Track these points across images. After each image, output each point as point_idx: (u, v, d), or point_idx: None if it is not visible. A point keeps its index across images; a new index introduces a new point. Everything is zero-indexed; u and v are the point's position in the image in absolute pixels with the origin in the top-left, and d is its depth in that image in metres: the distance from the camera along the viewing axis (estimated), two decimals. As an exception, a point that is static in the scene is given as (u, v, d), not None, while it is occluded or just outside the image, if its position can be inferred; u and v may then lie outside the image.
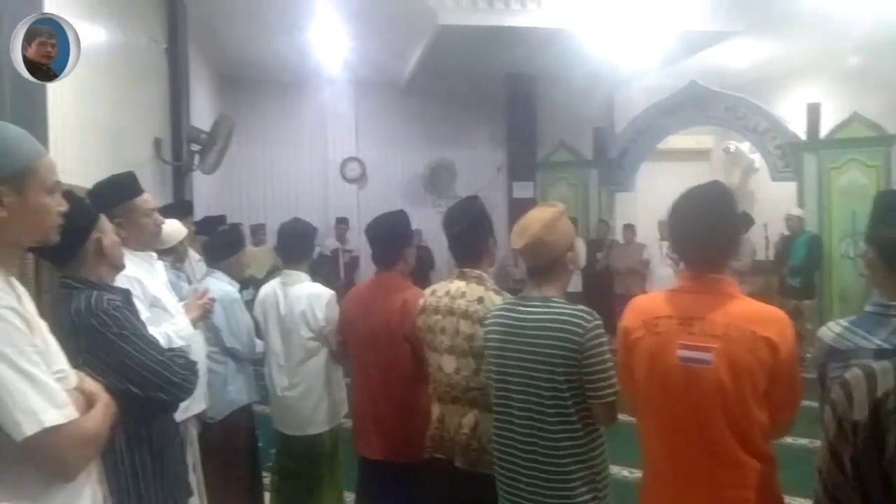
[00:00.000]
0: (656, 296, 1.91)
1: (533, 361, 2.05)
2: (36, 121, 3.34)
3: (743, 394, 1.67)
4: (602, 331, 2.00)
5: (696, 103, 8.53)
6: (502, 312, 2.19)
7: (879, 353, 1.57)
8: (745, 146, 10.09)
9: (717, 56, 8.36)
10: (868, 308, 1.67)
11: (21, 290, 1.43)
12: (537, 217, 2.11)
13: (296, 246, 3.36)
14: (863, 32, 7.11)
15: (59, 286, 1.99)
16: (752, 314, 1.71)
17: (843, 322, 1.70)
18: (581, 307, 2.05)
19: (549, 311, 2.05)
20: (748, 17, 7.21)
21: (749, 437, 1.70)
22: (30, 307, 1.42)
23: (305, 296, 3.21)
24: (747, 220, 7.97)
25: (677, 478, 1.79)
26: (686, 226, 1.83)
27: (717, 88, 8.38)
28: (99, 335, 1.81)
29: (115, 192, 2.50)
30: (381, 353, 2.83)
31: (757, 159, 9.46)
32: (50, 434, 1.27)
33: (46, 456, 1.29)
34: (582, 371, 1.99)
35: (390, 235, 2.90)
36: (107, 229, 1.98)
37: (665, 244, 8.20)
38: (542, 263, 2.11)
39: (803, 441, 4.41)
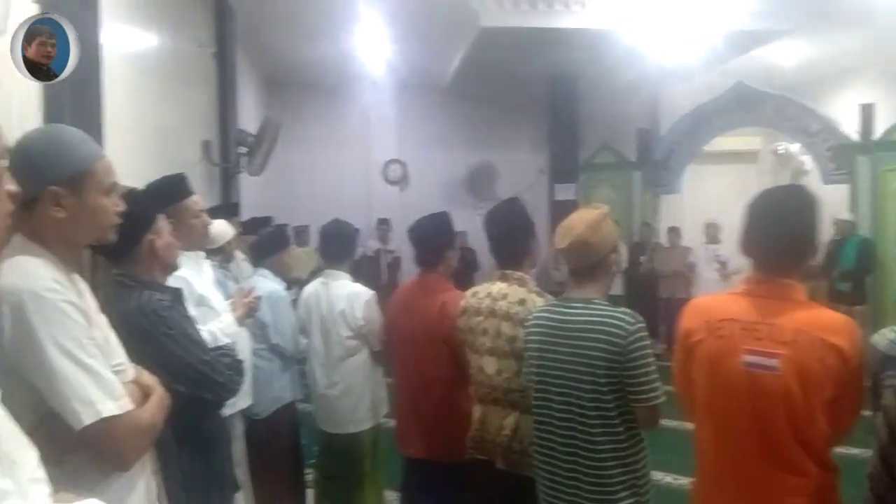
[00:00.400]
0: (720, 298, 1.87)
1: (574, 363, 2.03)
2: (92, 124, 3.46)
3: (810, 402, 1.63)
4: (645, 333, 1.98)
5: (744, 104, 8.35)
6: (543, 314, 2.18)
7: None
8: (795, 148, 9.85)
9: (765, 55, 8.17)
10: None
11: (83, 285, 1.49)
12: (582, 218, 2.11)
13: (337, 246, 3.41)
14: (920, 30, 6.88)
15: (113, 283, 2.05)
16: (821, 322, 1.67)
17: None
18: (624, 309, 2.04)
19: (591, 313, 2.04)
20: (797, 16, 7.02)
21: (814, 445, 1.67)
22: (91, 302, 1.48)
23: (345, 295, 3.25)
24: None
25: (734, 484, 1.76)
26: (764, 224, 1.77)
27: (765, 89, 8.19)
28: (148, 335, 1.86)
29: (167, 193, 2.57)
30: (420, 354, 2.85)
31: (807, 161, 9.22)
32: (107, 424, 1.32)
33: (103, 445, 1.34)
34: (624, 374, 1.97)
35: (432, 237, 2.92)
36: (162, 231, 2.03)
37: (712, 247, 8.06)
38: (586, 264, 2.10)
39: (855, 451, 4.27)
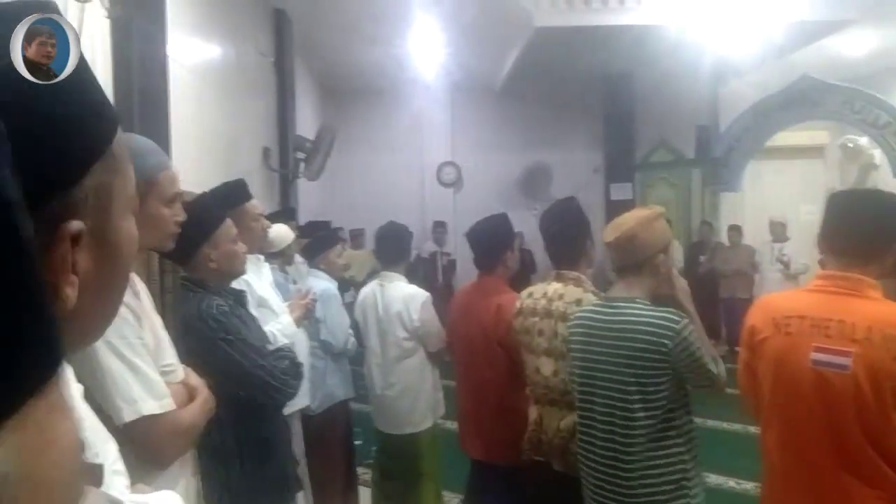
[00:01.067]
0: (788, 294, 1.83)
1: (618, 364, 2.00)
2: (160, 132, 3.60)
3: (883, 402, 1.57)
4: (692, 328, 1.94)
5: (809, 97, 8.08)
6: (587, 314, 2.16)
7: None
8: (864, 141, 9.45)
9: (830, 47, 7.87)
10: None
11: (140, 286, 1.54)
12: (634, 215, 2.08)
13: (392, 248, 3.46)
14: None
15: (179, 287, 2.13)
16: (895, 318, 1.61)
17: None
18: (669, 309, 1.99)
19: (635, 313, 2.00)
20: (863, 4, 6.75)
21: (888, 448, 1.60)
22: (146, 303, 1.53)
23: (401, 297, 3.29)
24: None
25: (803, 491, 1.70)
26: (847, 215, 1.75)
27: (831, 81, 7.90)
28: (205, 339, 1.91)
29: (228, 197, 2.65)
30: (477, 356, 2.87)
31: (877, 155, 8.84)
32: (147, 422, 1.36)
33: (142, 443, 1.37)
34: (682, 371, 1.94)
35: (490, 239, 2.92)
36: (220, 241, 2.06)
37: (777, 246, 7.82)
38: (633, 261, 2.05)
39: None
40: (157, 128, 3.54)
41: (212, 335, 1.92)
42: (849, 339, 1.61)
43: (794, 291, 1.82)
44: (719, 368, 1.96)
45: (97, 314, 0.59)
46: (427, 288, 3.44)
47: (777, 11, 6.71)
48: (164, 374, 1.47)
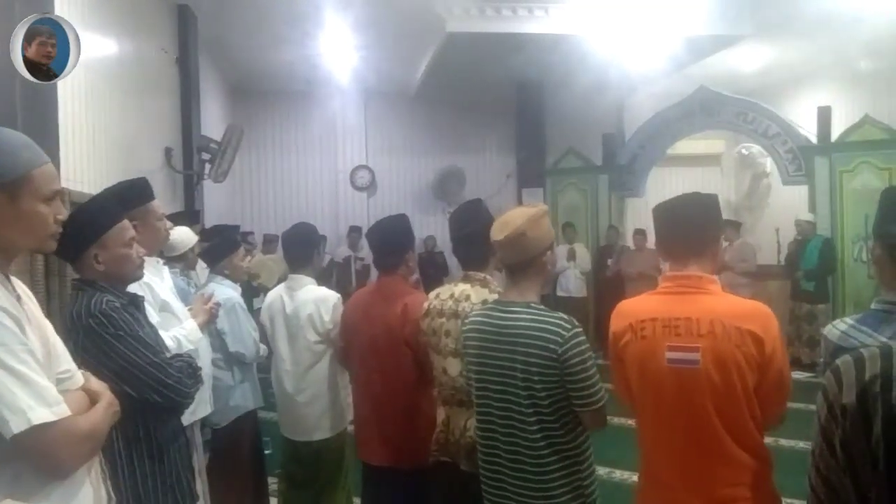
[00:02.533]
0: (640, 299, 1.91)
1: (511, 369, 2.03)
2: (47, 130, 3.39)
3: (733, 390, 1.68)
4: (582, 338, 1.98)
5: (706, 108, 8.50)
6: (481, 317, 2.17)
7: None
8: (757, 150, 10.04)
9: (726, 60, 8.34)
10: (874, 305, 1.65)
11: (22, 289, 1.44)
12: (521, 212, 2.10)
13: (299, 250, 3.38)
14: (873, 34, 7.06)
15: (71, 287, 2.01)
16: (735, 310, 1.73)
17: (849, 320, 1.68)
18: (560, 314, 2.03)
19: (528, 318, 2.03)
20: (756, 21, 7.18)
21: (743, 434, 1.71)
22: (31, 307, 1.43)
23: (312, 300, 3.22)
24: (734, 226, 8.02)
25: (675, 479, 1.78)
26: (665, 220, 1.88)
27: (726, 93, 8.35)
28: (96, 336, 1.83)
29: (131, 195, 2.52)
30: (383, 359, 2.82)
31: (769, 163, 9.41)
32: (39, 431, 1.28)
33: (37, 453, 1.30)
34: (565, 380, 1.97)
35: (391, 240, 2.90)
36: (111, 244, 1.96)
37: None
38: (522, 260, 2.08)
39: (803, 444, 4.34)
40: (44, 125, 3.33)
41: (101, 331, 1.84)
42: (696, 334, 1.72)
43: (645, 295, 1.91)
44: (604, 400, 2.00)
45: None
46: (341, 292, 3.39)
47: (676, 26, 7.04)
48: (60, 381, 1.38)
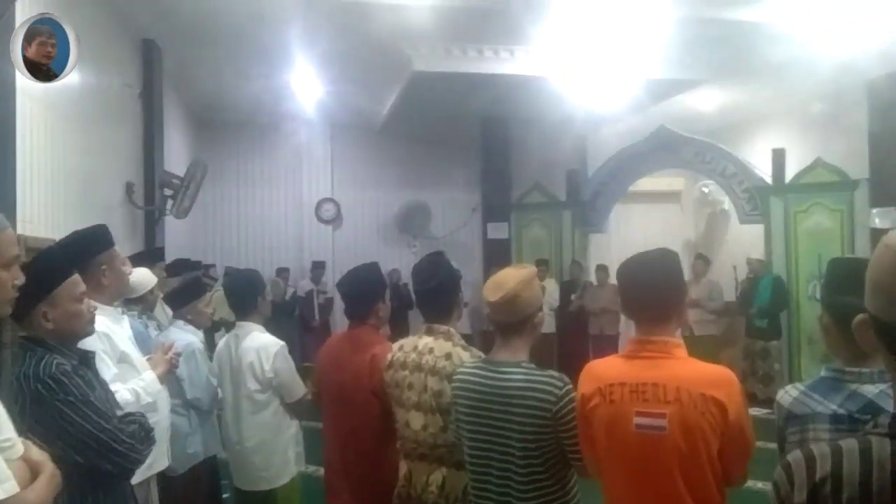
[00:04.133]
0: (608, 362, 1.94)
1: (507, 429, 2.06)
2: (5, 168, 3.32)
3: (698, 455, 1.71)
4: (574, 395, 2.01)
5: (666, 147, 8.71)
6: (472, 377, 2.18)
7: (835, 419, 1.60)
8: (715, 188, 10.29)
9: (685, 101, 8.58)
10: (823, 373, 1.71)
11: None
12: (513, 274, 2.14)
13: (242, 298, 3.32)
14: (825, 80, 7.34)
15: (17, 346, 1.95)
16: (701, 377, 1.76)
17: (800, 386, 1.73)
18: (552, 373, 2.06)
19: (521, 378, 2.06)
20: (713, 66, 7.42)
21: (706, 497, 1.74)
22: None
23: (254, 347, 3.18)
24: (704, 261, 8.28)
25: None
26: (630, 288, 1.90)
27: (685, 133, 8.57)
28: (44, 401, 1.78)
29: (91, 245, 2.47)
30: (349, 408, 2.81)
31: (726, 202, 9.65)
32: None
33: None
34: (560, 436, 2.01)
35: (361, 291, 2.90)
36: (60, 301, 1.92)
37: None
38: (515, 320, 2.13)
39: (761, 484, 4.33)
40: (1, 162, 3.27)
41: (51, 396, 1.79)
42: (662, 401, 1.75)
43: (613, 358, 1.94)
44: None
45: None
46: (303, 326, 3.36)
47: (638, 70, 7.23)
48: (1, 450, 1.34)
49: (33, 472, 1.41)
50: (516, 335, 2.15)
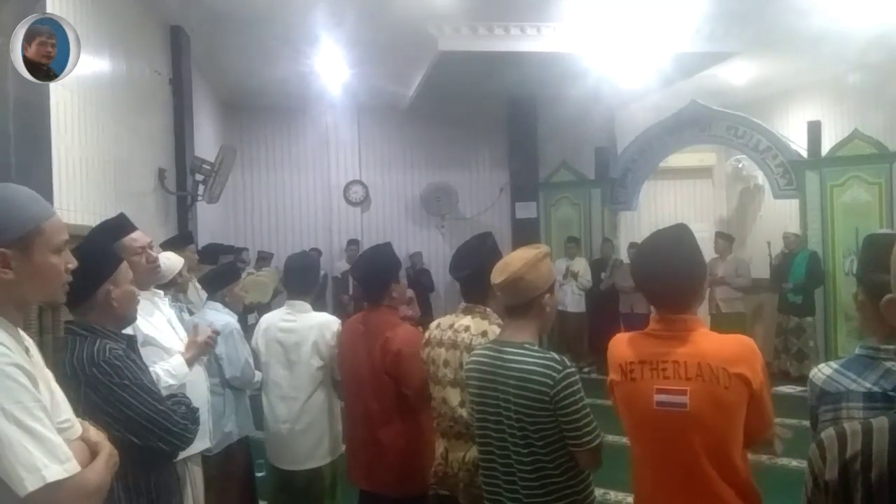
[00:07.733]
0: (631, 339, 1.92)
1: (505, 409, 2.06)
2: (40, 156, 3.38)
3: (721, 431, 1.73)
4: (574, 378, 2.00)
5: (697, 122, 8.56)
6: (482, 357, 2.19)
7: (869, 397, 1.57)
8: (748, 164, 10.10)
9: (716, 75, 8.40)
10: (858, 350, 1.67)
11: (29, 342, 1.46)
12: (520, 256, 2.13)
13: (302, 279, 3.37)
14: (862, 50, 7.13)
15: (64, 331, 2.01)
16: (722, 351, 1.76)
17: (834, 364, 1.70)
18: (552, 356, 2.05)
19: (520, 360, 2.06)
20: (745, 38, 7.24)
21: (731, 473, 1.75)
22: (37, 359, 1.45)
23: (316, 325, 3.22)
24: (727, 240, 8.13)
25: None
26: (650, 268, 1.88)
27: (717, 107, 8.41)
28: (100, 385, 1.84)
29: (113, 231, 2.53)
30: (364, 388, 2.88)
31: (760, 177, 9.47)
32: (52, 489, 1.29)
33: None
34: (559, 420, 1.99)
35: (374, 273, 2.94)
36: (121, 281, 1.99)
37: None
38: (520, 302, 2.12)
39: (795, 462, 4.26)
40: (37, 152, 3.32)
41: (106, 380, 1.85)
42: (683, 378, 1.75)
43: (635, 335, 1.92)
44: (599, 439, 2.02)
45: None
46: (338, 308, 3.40)
47: (666, 43, 7.09)
48: (61, 430, 1.38)
49: (92, 452, 1.45)
50: (522, 317, 2.14)
